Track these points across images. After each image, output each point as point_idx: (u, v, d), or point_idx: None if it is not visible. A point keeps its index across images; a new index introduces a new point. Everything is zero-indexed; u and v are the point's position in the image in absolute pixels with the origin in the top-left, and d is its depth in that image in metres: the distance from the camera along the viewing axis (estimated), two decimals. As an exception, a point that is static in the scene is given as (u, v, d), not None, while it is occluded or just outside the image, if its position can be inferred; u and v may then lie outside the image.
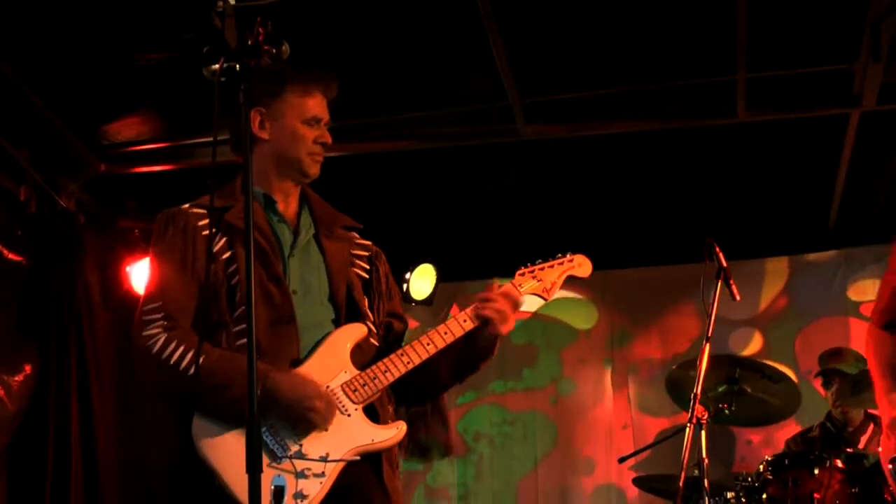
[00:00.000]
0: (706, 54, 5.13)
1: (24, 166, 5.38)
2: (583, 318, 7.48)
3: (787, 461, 5.07)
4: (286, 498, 2.67)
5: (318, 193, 3.18)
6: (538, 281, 3.14)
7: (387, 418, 2.95)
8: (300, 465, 2.74)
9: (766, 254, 7.20)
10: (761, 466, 5.12)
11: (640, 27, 4.95)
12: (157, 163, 5.85)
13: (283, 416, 2.74)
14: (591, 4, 4.82)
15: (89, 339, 5.67)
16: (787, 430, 6.54)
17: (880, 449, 3.67)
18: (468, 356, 3.07)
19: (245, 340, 2.68)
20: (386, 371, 2.90)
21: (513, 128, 5.62)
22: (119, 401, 5.75)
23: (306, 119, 2.99)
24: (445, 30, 4.89)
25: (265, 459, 2.59)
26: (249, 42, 2.46)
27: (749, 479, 5.15)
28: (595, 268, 3.26)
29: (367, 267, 3.12)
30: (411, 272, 6.20)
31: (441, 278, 6.28)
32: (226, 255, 2.88)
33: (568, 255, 3.22)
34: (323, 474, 2.75)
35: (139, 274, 5.69)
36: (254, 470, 2.26)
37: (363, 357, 2.94)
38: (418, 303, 6.14)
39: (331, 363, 2.87)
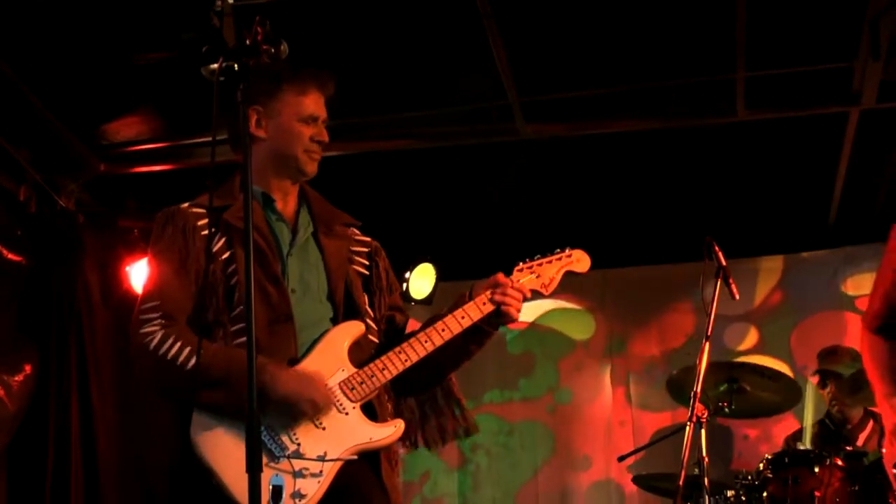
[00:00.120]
0: (705, 53, 5.13)
1: (24, 166, 5.38)
2: (580, 328, 7.46)
3: (787, 459, 5.07)
4: (284, 497, 2.67)
5: (317, 192, 3.18)
6: (537, 276, 3.14)
7: (385, 416, 2.95)
8: (298, 464, 2.74)
9: (766, 252, 7.20)
10: (761, 465, 5.12)
11: (640, 26, 4.95)
12: (157, 162, 5.85)
13: (280, 408, 2.74)
14: (591, 4, 4.81)
15: (89, 338, 5.67)
16: (784, 426, 6.54)
17: (884, 450, 3.67)
18: (465, 343, 3.06)
19: (242, 339, 2.69)
20: (384, 369, 2.90)
21: (512, 127, 5.62)
22: (119, 400, 5.75)
23: (303, 117, 2.99)
24: (445, 29, 4.89)
25: (263, 459, 2.59)
26: (248, 41, 2.46)
27: (749, 478, 5.15)
28: (593, 266, 3.24)
29: (367, 263, 3.12)
30: (411, 271, 6.20)
31: (441, 277, 6.28)
32: (225, 255, 2.88)
33: (567, 250, 3.21)
34: (321, 473, 2.74)
35: (139, 273, 5.69)
36: (254, 469, 2.26)
37: (361, 355, 2.94)
38: (418, 302, 6.15)
39: (328, 361, 2.87)
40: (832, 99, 5.45)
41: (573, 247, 3.23)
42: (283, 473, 2.71)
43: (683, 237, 5.54)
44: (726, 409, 5.13)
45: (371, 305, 3.08)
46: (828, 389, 5.96)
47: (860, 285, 6.98)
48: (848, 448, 5.28)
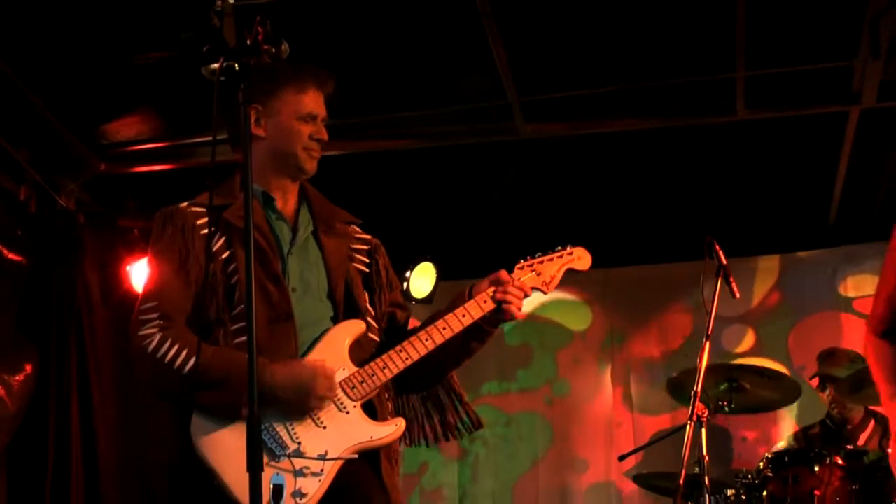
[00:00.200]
0: (705, 52, 5.13)
1: (24, 166, 5.38)
2: (577, 319, 7.46)
3: (787, 458, 5.08)
4: (285, 496, 2.67)
5: (317, 190, 3.18)
6: (538, 274, 3.13)
7: (386, 415, 2.95)
8: (298, 463, 2.74)
9: (766, 251, 7.20)
10: (761, 464, 5.13)
11: (640, 25, 4.95)
12: (157, 162, 5.85)
13: (284, 404, 2.74)
14: (591, 3, 4.81)
15: (89, 338, 5.67)
16: (782, 427, 6.54)
17: (889, 450, 3.66)
18: (466, 341, 3.06)
19: (243, 338, 2.69)
20: (384, 368, 2.90)
21: (512, 126, 5.62)
22: (119, 400, 5.75)
23: (302, 116, 2.99)
24: (444, 28, 4.89)
25: (264, 458, 2.59)
26: (248, 41, 2.46)
27: (749, 477, 5.16)
28: (594, 265, 3.23)
29: (367, 261, 3.12)
30: (411, 271, 6.20)
31: (441, 277, 6.29)
32: (225, 255, 2.88)
33: (568, 248, 3.20)
34: (321, 472, 2.74)
35: (139, 273, 5.69)
36: (255, 468, 2.26)
37: (362, 353, 2.94)
38: (418, 301, 6.15)
39: (329, 360, 2.86)
40: (832, 98, 5.45)
41: (574, 245, 3.22)
42: (283, 472, 2.71)
43: (683, 236, 5.54)
44: (726, 409, 5.13)
45: (372, 303, 3.08)
46: (827, 392, 5.96)
47: (861, 285, 6.99)
48: (848, 447, 5.28)
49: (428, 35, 4.93)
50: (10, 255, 5.25)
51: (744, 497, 5.12)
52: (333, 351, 2.89)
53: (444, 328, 2.98)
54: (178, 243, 2.89)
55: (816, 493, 4.84)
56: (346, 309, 2.99)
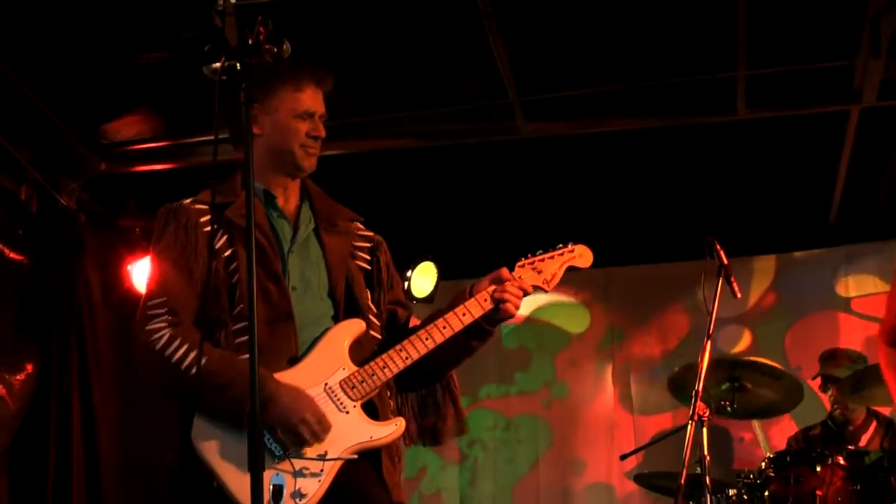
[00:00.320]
0: (706, 51, 5.13)
1: (25, 166, 5.38)
2: (575, 321, 7.46)
3: (788, 458, 5.07)
4: (285, 497, 2.67)
5: (320, 188, 3.17)
6: (538, 272, 3.12)
7: (387, 413, 2.94)
8: (298, 464, 2.74)
9: (767, 251, 7.20)
10: (763, 464, 5.12)
11: (640, 24, 4.94)
12: (158, 161, 5.85)
13: (278, 423, 2.74)
14: (591, 2, 4.81)
15: (90, 337, 5.67)
16: (780, 428, 6.54)
17: None
18: (467, 340, 3.06)
19: (244, 338, 2.69)
20: (384, 367, 2.90)
21: (513, 125, 5.62)
22: (120, 400, 5.75)
23: (299, 113, 2.98)
24: (445, 28, 4.89)
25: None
26: (250, 41, 2.46)
27: (751, 477, 5.15)
28: (594, 264, 3.22)
29: (369, 258, 3.12)
30: (412, 270, 6.21)
31: (442, 276, 6.29)
32: (227, 253, 2.88)
33: (569, 245, 3.19)
34: (321, 473, 2.74)
35: (140, 273, 5.70)
36: (256, 468, 2.26)
37: (363, 352, 2.94)
38: (419, 300, 6.15)
39: (329, 360, 2.86)
40: (833, 97, 5.44)
41: (575, 242, 3.22)
42: (283, 473, 2.71)
43: (683, 236, 5.54)
44: (728, 409, 5.13)
45: (373, 301, 3.07)
46: (829, 392, 5.96)
47: (862, 284, 6.98)
48: (850, 447, 5.28)
49: (429, 35, 4.93)
50: (11, 255, 5.25)
51: (745, 497, 5.12)
52: (333, 351, 2.89)
53: (445, 327, 2.97)
54: (181, 241, 2.88)
55: (818, 493, 4.84)
56: (346, 307, 2.98)
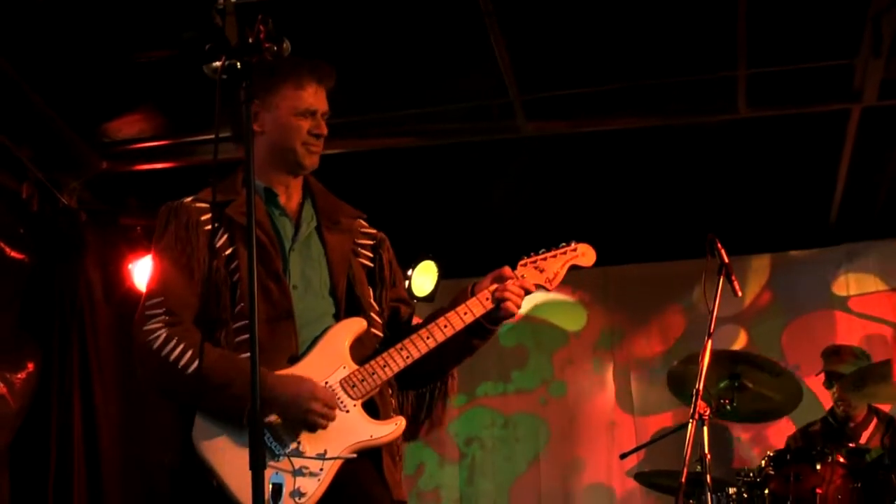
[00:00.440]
0: (706, 50, 5.13)
1: (26, 164, 5.39)
2: (572, 319, 7.46)
3: (788, 456, 5.08)
4: (284, 496, 2.67)
5: (322, 185, 3.17)
6: (541, 271, 3.12)
7: (388, 412, 2.94)
8: (298, 462, 2.74)
9: (767, 250, 7.19)
10: (763, 462, 5.12)
11: (641, 23, 4.95)
12: (159, 160, 5.85)
13: (283, 417, 2.74)
14: (592, 1, 4.82)
15: (91, 336, 5.68)
16: (777, 428, 6.53)
17: None
18: (468, 339, 3.06)
19: (244, 337, 2.69)
20: (385, 366, 2.89)
21: (513, 124, 5.62)
22: (121, 398, 5.76)
23: (300, 111, 2.98)
24: (446, 27, 4.89)
25: (263, 457, 2.59)
26: (250, 39, 2.46)
27: (751, 475, 5.15)
28: (596, 264, 3.22)
29: (372, 255, 3.11)
30: (413, 269, 6.20)
31: (443, 275, 6.29)
32: (227, 252, 2.88)
33: (572, 244, 3.19)
34: (321, 472, 2.74)
35: (141, 271, 5.70)
36: (258, 467, 2.26)
37: (364, 350, 2.93)
38: (420, 299, 6.14)
39: (329, 359, 2.86)
40: (833, 96, 5.45)
41: (578, 241, 3.21)
42: (282, 472, 2.71)
43: (683, 235, 5.54)
44: (728, 407, 5.12)
45: (375, 299, 3.07)
46: (833, 389, 5.96)
47: (863, 283, 6.98)
48: (850, 445, 5.28)
49: (430, 33, 4.93)
50: (13, 254, 5.26)
51: (745, 495, 5.12)
52: (334, 349, 2.88)
53: (446, 326, 2.97)
54: (182, 239, 2.88)
55: (818, 491, 4.84)
56: (347, 306, 2.98)
